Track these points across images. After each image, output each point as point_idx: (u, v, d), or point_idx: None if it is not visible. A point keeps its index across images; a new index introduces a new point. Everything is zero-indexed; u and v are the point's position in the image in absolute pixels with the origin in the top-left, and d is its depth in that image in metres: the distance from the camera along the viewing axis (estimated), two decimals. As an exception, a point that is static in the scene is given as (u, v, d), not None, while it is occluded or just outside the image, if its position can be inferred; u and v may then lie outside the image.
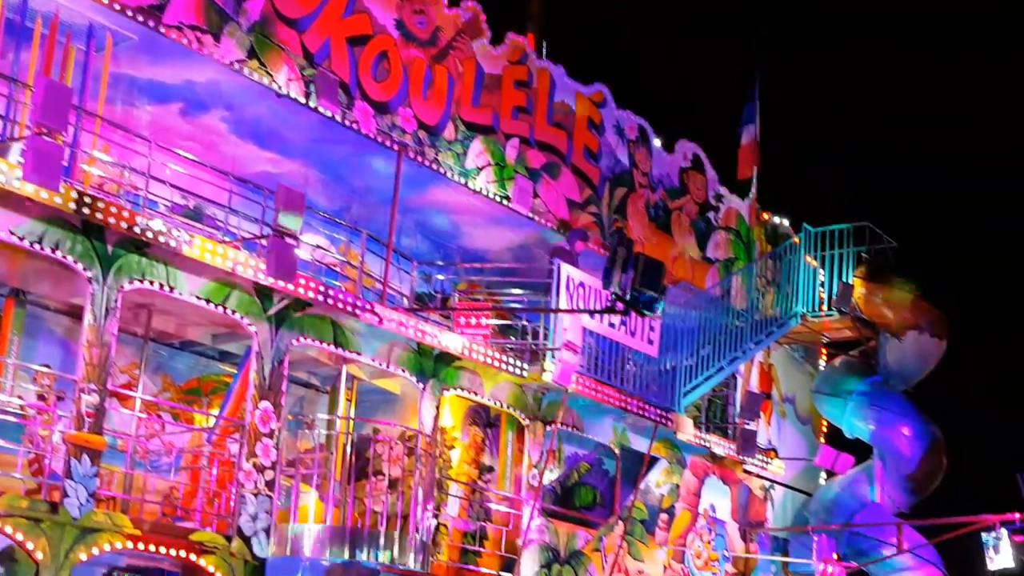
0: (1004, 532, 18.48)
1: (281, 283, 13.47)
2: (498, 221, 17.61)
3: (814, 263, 21.71)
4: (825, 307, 21.45)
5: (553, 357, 16.43)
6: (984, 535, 18.73)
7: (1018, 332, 49.87)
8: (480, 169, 17.03)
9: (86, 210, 11.85)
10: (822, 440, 22.98)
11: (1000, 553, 18.56)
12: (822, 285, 21.63)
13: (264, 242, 13.65)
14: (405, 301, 16.49)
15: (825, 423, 23.22)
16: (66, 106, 11.29)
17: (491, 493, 17.08)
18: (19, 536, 11.57)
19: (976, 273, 47.78)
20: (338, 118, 15.06)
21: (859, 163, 48.36)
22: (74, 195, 11.93)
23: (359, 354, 14.96)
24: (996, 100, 47.87)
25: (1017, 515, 18.38)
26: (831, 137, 47.51)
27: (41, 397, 13.33)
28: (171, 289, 13.23)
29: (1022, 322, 49.36)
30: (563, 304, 16.15)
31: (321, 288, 14.32)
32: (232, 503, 13.61)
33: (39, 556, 11.66)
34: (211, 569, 13.09)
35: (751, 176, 21.42)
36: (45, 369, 13.27)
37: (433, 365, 15.84)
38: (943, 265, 41.69)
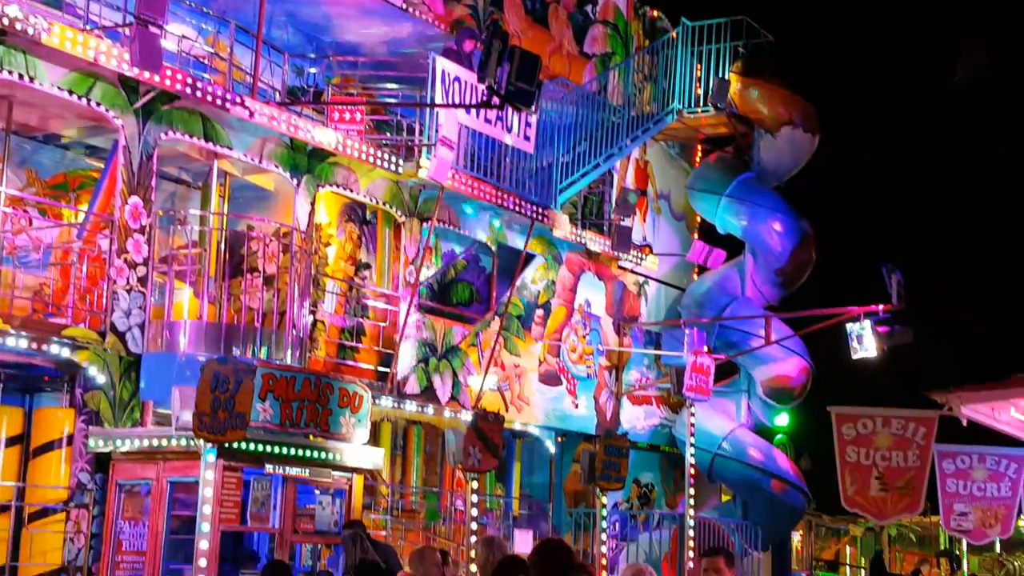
0: (868, 323, 18.89)
1: (147, 74, 13.21)
2: (372, 13, 17.18)
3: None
4: (701, 103, 21.41)
5: (429, 153, 16.40)
6: (849, 326, 19.12)
7: (889, 128, 51.05)
8: None
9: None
10: (695, 236, 23.27)
11: (863, 344, 19.02)
12: (699, 80, 21.55)
13: (127, 31, 13.32)
14: (277, 95, 16.32)
15: (699, 219, 23.46)
16: None
17: (368, 290, 17.26)
18: None
19: (850, 69, 48.45)
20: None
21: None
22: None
23: (230, 149, 14.85)
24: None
25: (880, 307, 18.83)
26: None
27: None
28: (31, 79, 12.94)
29: (894, 117, 50.44)
30: (439, 99, 16.09)
31: (189, 80, 14.08)
32: (104, 300, 13.66)
33: None
34: (85, 365, 13.26)
35: None
36: None
37: (307, 161, 15.78)
38: (818, 60, 42.18)
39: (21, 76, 12.81)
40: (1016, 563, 31.49)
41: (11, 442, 13.61)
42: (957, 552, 28.28)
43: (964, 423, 20.94)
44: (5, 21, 12.23)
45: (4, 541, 13.03)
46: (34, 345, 12.80)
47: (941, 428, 22.80)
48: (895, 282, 18.62)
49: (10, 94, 13.46)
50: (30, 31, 12.45)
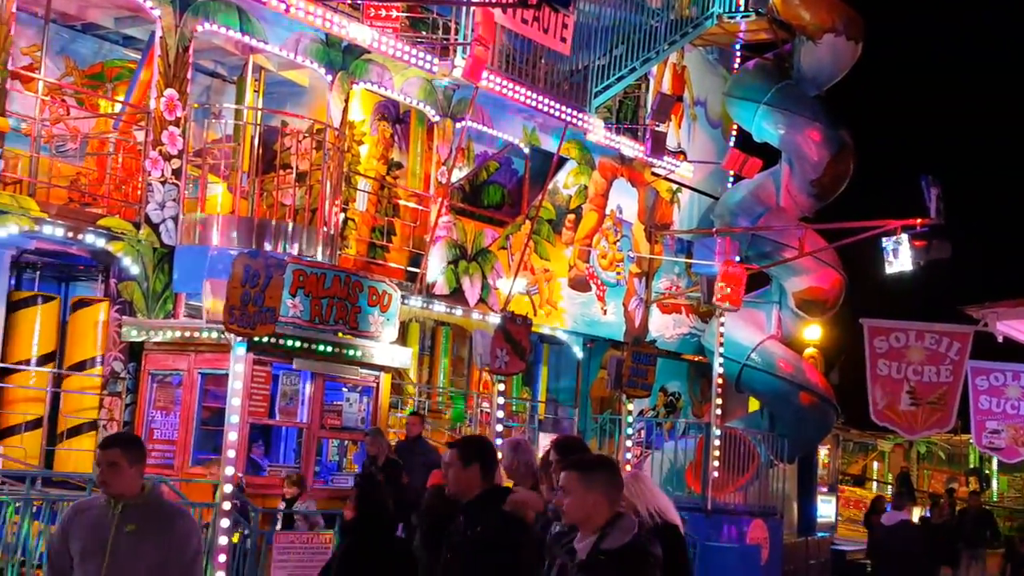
0: (904, 237, 18.69)
1: None
2: None
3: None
4: (742, 8, 21.20)
5: (464, 53, 16.43)
6: (884, 240, 18.98)
7: (936, 41, 50.36)
8: None
9: None
10: (731, 144, 23.16)
11: (899, 258, 18.85)
12: None
13: None
14: None
15: (735, 127, 23.25)
16: None
17: (399, 189, 17.41)
18: None
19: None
20: None
21: None
22: None
23: (266, 43, 14.91)
24: None
25: (919, 220, 18.60)
26: None
27: None
28: None
29: (942, 31, 49.77)
30: None
31: None
32: (139, 191, 13.78)
33: None
34: (119, 255, 13.39)
35: None
36: None
37: (342, 57, 15.81)
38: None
39: None
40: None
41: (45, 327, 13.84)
42: (987, 471, 28.53)
43: (1000, 339, 20.83)
44: None
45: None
46: (70, 234, 12.89)
47: (976, 344, 22.66)
48: (935, 195, 18.41)
49: None
50: None
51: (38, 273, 14.36)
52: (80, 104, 14.88)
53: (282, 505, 12.85)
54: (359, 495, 7.99)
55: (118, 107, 14.60)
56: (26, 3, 13.29)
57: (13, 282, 14.12)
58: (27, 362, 13.75)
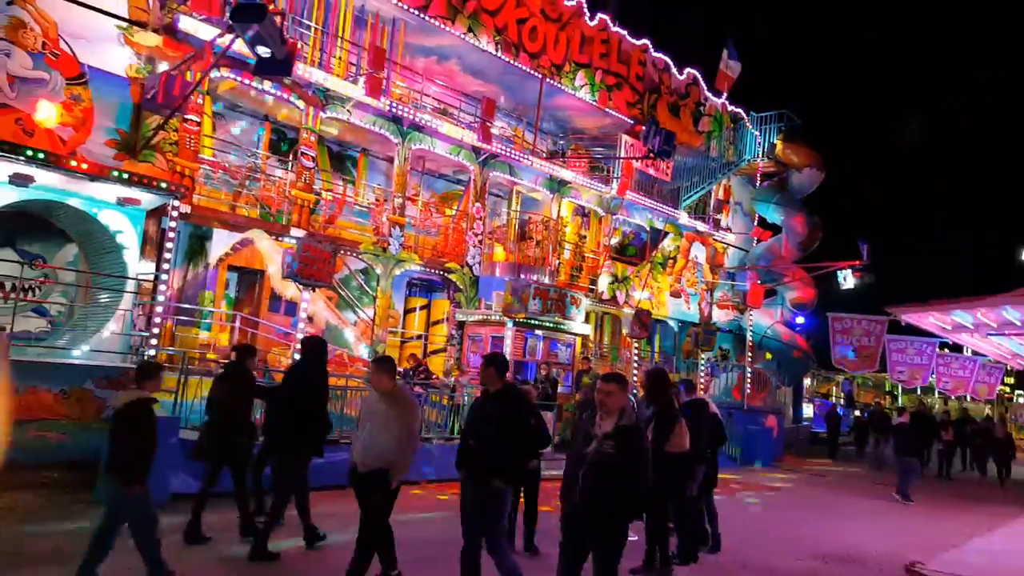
0: (849, 271, 17.66)
1: (483, 145, 13.38)
2: (591, 112, 16.31)
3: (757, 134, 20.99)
4: (760, 155, 20.57)
5: (616, 181, 16.19)
6: (838, 272, 17.94)
7: (869, 161, 46.77)
8: (579, 87, 16.35)
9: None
10: (755, 224, 22.18)
11: (846, 282, 17.73)
12: (759, 144, 20.65)
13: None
14: (543, 153, 16.25)
15: (757, 215, 22.33)
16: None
17: (585, 248, 16.88)
18: (368, 260, 12.35)
19: (844, 134, 45.15)
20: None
21: (792, 88, 45.35)
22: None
23: (521, 180, 14.95)
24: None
25: (857, 262, 17.51)
26: (775, 69, 44.64)
27: (376, 200, 13.64)
28: (431, 149, 13.19)
29: (875, 157, 46.28)
30: (622, 154, 15.98)
31: (502, 147, 14.08)
32: (463, 250, 13.83)
33: (379, 270, 12.48)
34: (454, 279, 13.64)
35: (725, 88, 20.30)
36: (377, 185, 13.69)
37: (557, 185, 15.47)
38: (825, 131, 39.62)
39: (428, 148, 13.28)
40: (928, 400, 29.27)
41: (421, 315, 14.31)
42: (896, 393, 26.64)
43: (903, 324, 19.83)
44: (419, 118, 12.59)
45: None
46: (432, 270, 13.34)
47: (890, 326, 21.67)
48: (865, 249, 17.50)
49: (423, 155, 13.99)
50: (433, 124, 12.90)
51: (418, 288, 14.71)
52: (436, 211, 15.04)
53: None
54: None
55: (454, 211, 14.99)
56: (413, 165, 13.73)
57: (407, 292, 14.56)
58: (416, 335, 14.28)
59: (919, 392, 28.39)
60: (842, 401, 28.99)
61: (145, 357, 8.72)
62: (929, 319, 17.71)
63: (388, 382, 5.15)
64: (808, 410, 26.00)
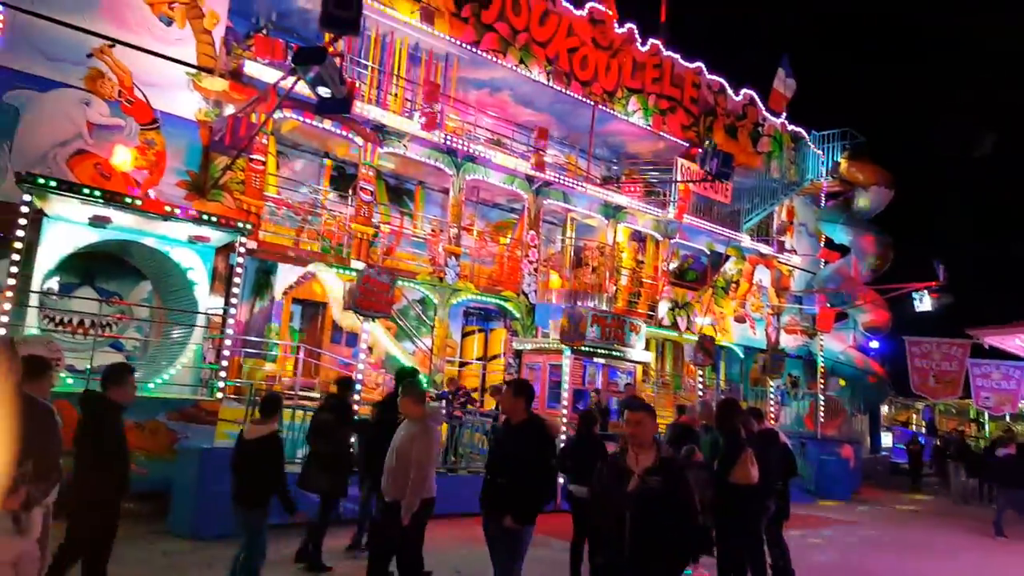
0: (925, 292, 16.87)
1: (536, 172, 13.54)
2: (645, 137, 16.37)
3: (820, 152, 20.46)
4: (824, 174, 20.08)
5: (674, 205, 16.08)
6: (914, 294, 17.20)
7: (941, 175, 45.05)
8: (632, 112, 16.28)
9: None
10: (822, 245, 21.55)
11: (923, 303, 16.99)
12: (822, 163, 20.18)
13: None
14: (597, 180, 16.31)
15: (823, 236, 21.82)
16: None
17: (642, 273, 16.84)
18: (426, 290, 12.46)
19: (914, 153, 43.58)
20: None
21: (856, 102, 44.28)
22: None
23: (576, 208, 14.91)
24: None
25: (934, 283, 16.78)
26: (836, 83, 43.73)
27: (432, 231, 13.91)
28: (485, 178, 13.35)
29: (944, 174, 44.54)
30: (679, 178, 15.83)
31: (554, 175, 14.10)
32: (518, 278, 13.77)
33: (435, 299, 12.56)
34: (510, 308, 13.55)
35: (782, 108, 19.98)
36: (433, 216, 13.91)
37: (613, 211, 15.40)
38: (891, 147, 38.35)
39: (482, 178, 13.42)
40: (1017, 428, 27.43)
41: (479, 342, 14.38)
42: (981, 420, 25.09)
43: (987, 347, 18.79)
44: (472, 149, 12.75)
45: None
46: (487, 299, 13.34)
47: (973, 349, 20.52)
48: (942, 270, 16.79)
49: (477, 186, 14.12)
50: (487, 155, 12.99)
51: (475, 317, 14.82)
52: (490, 240, 15.21)
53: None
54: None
55: (509, 240, 15.00)
56: (468, 195, 13.79)
57: (464, 321, 14.69)
58: (473, 360, 14.39)
59: (1008, 419, 26.67)
60: (923, 429, 27.52)
61: (218, 388, 8.88)
62: (1016, 341, 16.75)
63: (415, 408, 4.99)
64: (887, 439, 24.80)
